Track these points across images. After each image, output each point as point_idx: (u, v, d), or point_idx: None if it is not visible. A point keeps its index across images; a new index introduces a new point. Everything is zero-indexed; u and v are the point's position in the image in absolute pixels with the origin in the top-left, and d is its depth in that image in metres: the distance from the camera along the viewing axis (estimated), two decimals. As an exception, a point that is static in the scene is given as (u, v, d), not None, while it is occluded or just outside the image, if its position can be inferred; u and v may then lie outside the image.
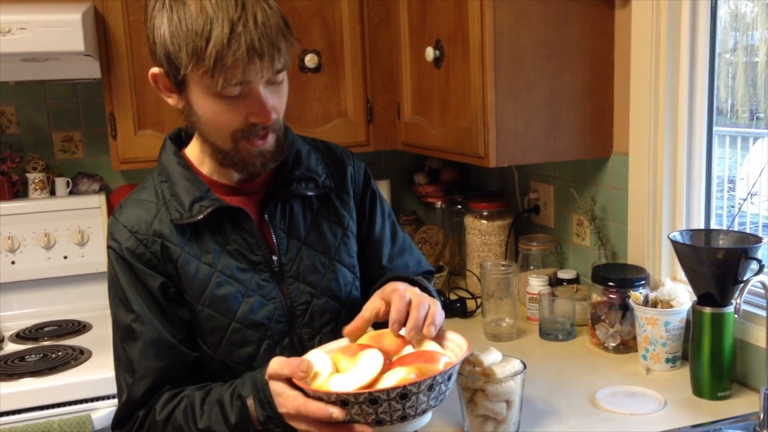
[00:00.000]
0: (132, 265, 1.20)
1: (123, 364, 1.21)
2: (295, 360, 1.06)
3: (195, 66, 1.07)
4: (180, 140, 1.31)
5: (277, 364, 1.07)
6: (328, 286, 1.28)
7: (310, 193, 1.28)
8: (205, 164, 1.25)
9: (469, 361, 1.43)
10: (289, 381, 1.06)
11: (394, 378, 1.01)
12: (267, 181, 1.29)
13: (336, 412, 1.00)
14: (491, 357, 1.44)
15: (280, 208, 1.27)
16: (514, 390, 1.39)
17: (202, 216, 1.19)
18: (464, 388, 1.41)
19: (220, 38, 1.05)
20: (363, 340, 1.14)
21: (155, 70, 1.16)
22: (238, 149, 1.16)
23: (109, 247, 1.22)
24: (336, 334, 1.26)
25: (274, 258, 1.25)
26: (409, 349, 1.11)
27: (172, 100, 1.18)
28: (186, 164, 1.24)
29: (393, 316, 1.12)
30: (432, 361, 1.05)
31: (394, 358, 1.09)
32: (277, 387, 1.07)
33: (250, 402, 1.10)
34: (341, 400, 1.01)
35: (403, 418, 1.02)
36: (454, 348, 1.13)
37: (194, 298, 1.21)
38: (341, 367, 1.08)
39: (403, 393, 0.99)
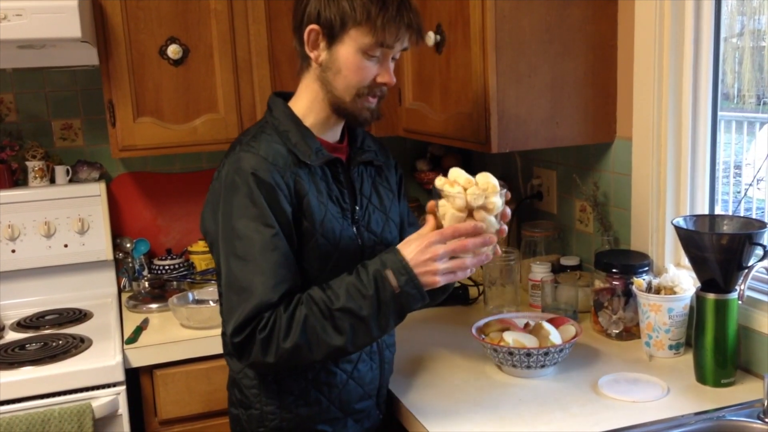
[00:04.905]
0: (273, 190, 1.37)
1: (260, 269, 1.35)
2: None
3: (363, 23, 1.37)
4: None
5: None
6: (384, 237, 1.57)
7: (377, 163, 1.58)
8: (308, 119, 1.47)
9: (451, 183, 1.34)
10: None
11: None
12: (344, 147, 1.54)
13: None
14: (461, 172, 1.35)
15: (356, 170, 1.54)
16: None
17: (322, 162, 1.44)
18: (460, 210, 1.31)
19: (392, 9, 1.37)
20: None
21: (314, 26, 1.40)
22: (354, 101, 1.44)
23: (252, 173, 1.37)
24: None
25: (357, 208, 1.51)
26: None
27: (314, 54, 1.42)
28: (299, 121, 1.47)
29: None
30: None
31: None
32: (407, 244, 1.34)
33: (388, 272, 1.32)
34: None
35: None
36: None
37: (313, 226, 1.42)
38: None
39: None
